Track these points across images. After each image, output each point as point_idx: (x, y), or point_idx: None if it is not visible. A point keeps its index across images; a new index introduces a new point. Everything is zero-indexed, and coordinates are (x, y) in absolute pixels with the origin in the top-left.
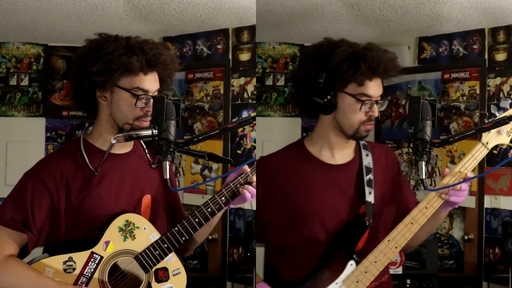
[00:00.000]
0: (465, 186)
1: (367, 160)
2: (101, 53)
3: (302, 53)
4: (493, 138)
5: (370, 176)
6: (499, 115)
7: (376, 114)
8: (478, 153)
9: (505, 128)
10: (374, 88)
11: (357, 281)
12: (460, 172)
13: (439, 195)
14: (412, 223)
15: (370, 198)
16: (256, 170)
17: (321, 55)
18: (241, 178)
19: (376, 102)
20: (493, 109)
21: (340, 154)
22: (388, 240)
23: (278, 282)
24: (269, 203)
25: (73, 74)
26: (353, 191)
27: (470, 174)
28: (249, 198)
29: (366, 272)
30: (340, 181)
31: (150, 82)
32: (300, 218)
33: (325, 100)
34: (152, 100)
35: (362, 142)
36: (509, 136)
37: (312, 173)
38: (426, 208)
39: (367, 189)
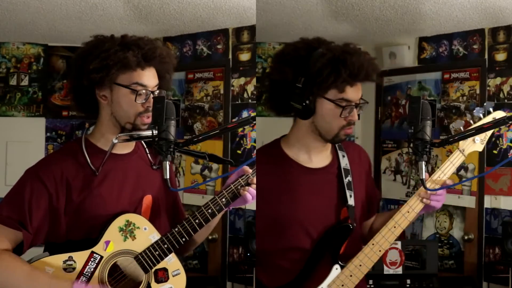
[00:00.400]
0: (441, 191)
1: (344, 161)
2: (97, 51)
3: (276, 55)
4: (469, 146)
5: (349, 178)
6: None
7: (356, 118)
8: (456, 159)
9: (479, 136)
10: (354, 92)
11: (343, 285)
12: (439, 178)
13: (420, 200)
14: (395, 227)
15: (351, 201)
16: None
17: (299, 58)
18: (241, 179)
19: (356, 105)
20: (469, 118)
21: (317, 157)
22: (373, 244)
23: None
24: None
25: (72, 76)
26: (334, 195)
27: (449, 181)
28: (250, 200)
29: (351, 275)
30: (320, 185)
31: (148, 77)
32: (282, 225)
33: (304, 104)
34: (152, 95)
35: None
36: (483, 144)
37: (292, 177)
38: (408, 212)
39: (347, 193)
